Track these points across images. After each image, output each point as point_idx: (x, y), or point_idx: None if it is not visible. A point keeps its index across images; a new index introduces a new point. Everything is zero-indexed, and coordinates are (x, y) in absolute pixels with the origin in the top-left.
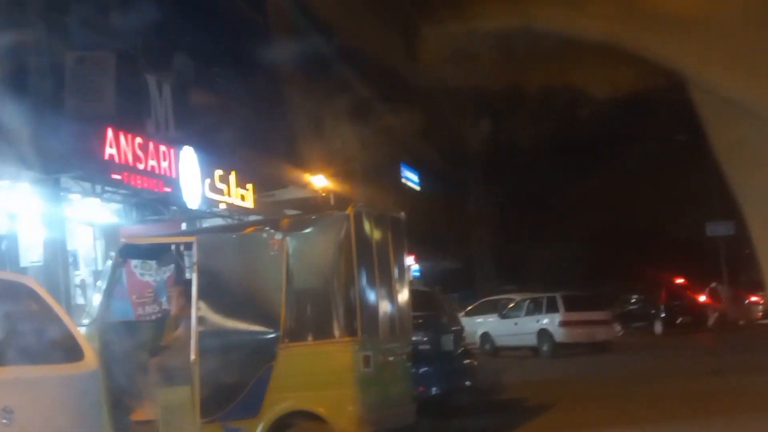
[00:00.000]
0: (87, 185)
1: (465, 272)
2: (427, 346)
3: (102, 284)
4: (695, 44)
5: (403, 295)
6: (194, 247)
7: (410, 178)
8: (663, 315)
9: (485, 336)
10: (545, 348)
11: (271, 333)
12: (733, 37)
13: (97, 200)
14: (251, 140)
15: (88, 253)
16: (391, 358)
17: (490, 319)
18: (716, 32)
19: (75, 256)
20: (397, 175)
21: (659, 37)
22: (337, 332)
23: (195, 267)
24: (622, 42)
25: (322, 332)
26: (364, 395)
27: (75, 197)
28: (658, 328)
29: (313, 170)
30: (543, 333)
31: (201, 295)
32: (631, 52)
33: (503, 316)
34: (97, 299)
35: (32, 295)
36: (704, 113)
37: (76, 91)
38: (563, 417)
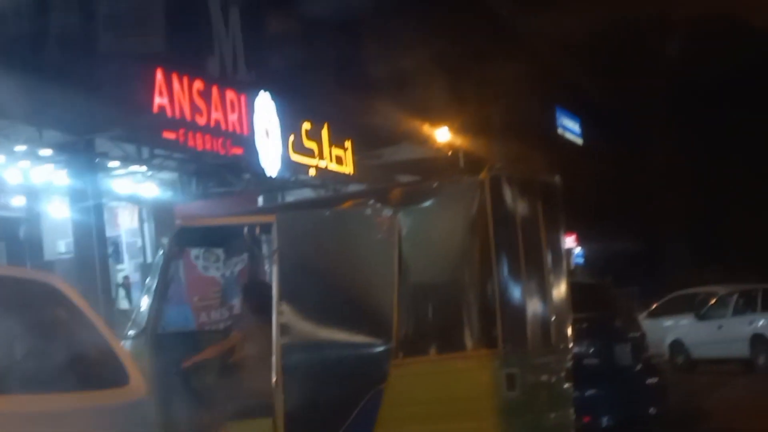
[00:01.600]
0: (130, 148)
1: (648, 257)
2: (594, 360)
3: (152, 282)
4: None
5: (560, 290)
6: (274, 230)
7: (569, 128)
8: None
9: (677, 344)
10: (762, 360)
11: (380, 345)
12: None
13: (144, 168)
14: (349, 81)
15: (133, 240)
16: (544, 378)
17: (684, 322)
18: None
19: (116, 246)
20: (552, 124)
21: None
22: (469, 342)
23: (275, 256)
24: None
25: (450, 343)
26: (508, 429)
27: (114, 165)
28: None
29: (435, 121)
30: (758, 340)
31: (284, 295)
32: None
33: (702, 317)
34: (146, 303)
35: (60, 299)
36: None
37: (114, 21)
38: None
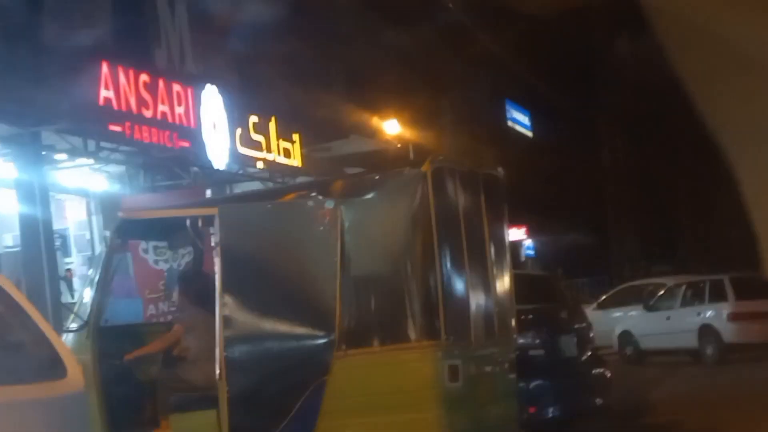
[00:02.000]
0: (77, 141)
1: (598, 249)
2: (539, 352)
3: (94, 275)
4: None
5: (503, 282)
6: (216, 222)
7: (519, 121)
8: None
9: (625, 336)
10: (709, 351)
11: (323, 337)
12: None
13: (91, 161)
14: (298, 74)
15: (81, 233)
16: (488, 369)
17: (633, 313)
18: None
19: (64, 239)
20: (502, 117)
21: None
22: (412, 334)
23: (218, 249)
24: None
25: (392, 335)
26: (451, 420)
27: (61, 158)
28: None
29: (384, 113)
30: (706, 330)
31: (227, 288)
32: None
33: (650, 308)
34: (88, 296)
35: None
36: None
37: (58, 13)
38: None
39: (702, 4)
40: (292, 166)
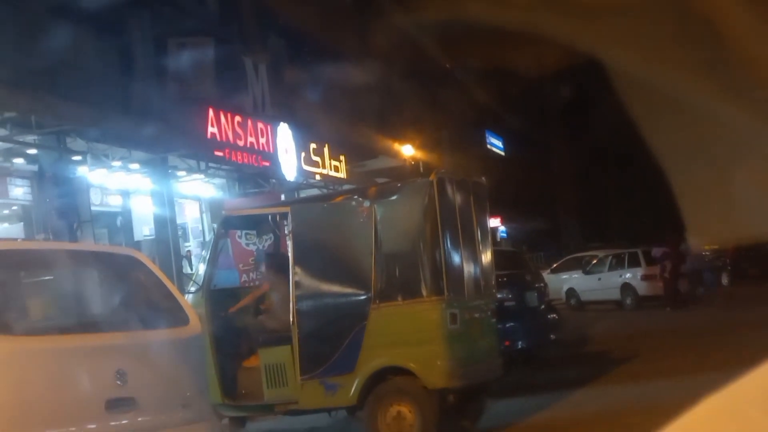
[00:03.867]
0: (192, 162)
1: (551, 232)
2: (511, 303)
3: (206, 254)
4: (606, 30)
5: (487, 255)
6: (289, 217)
7: (495, 144)
8: (729, 267)
9: (570, 291)
10: (628, 301)
11: (363, 295)
12: (640, 22)
13: (202, 176)
14: (343, 114)
15: (196, 225)
16: (476, 315)
17: (575, 276)
18: (625, 17)
19: (184, 229)
20: (483, 142)
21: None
22: (424, 292)
23: (290, 235)
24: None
25: (411, 292)
26: (452, 350)
27: (181, 174)
28: (724, 279)
29: (402, 140)
30: (626, 287)
31: (297, 261)
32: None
33: (587, 272)
34: (202, 268)
35: (141, 266)
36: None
37: (180, 75)
38: (648, 366)
39: (657, 67)
40: (340, 178)
